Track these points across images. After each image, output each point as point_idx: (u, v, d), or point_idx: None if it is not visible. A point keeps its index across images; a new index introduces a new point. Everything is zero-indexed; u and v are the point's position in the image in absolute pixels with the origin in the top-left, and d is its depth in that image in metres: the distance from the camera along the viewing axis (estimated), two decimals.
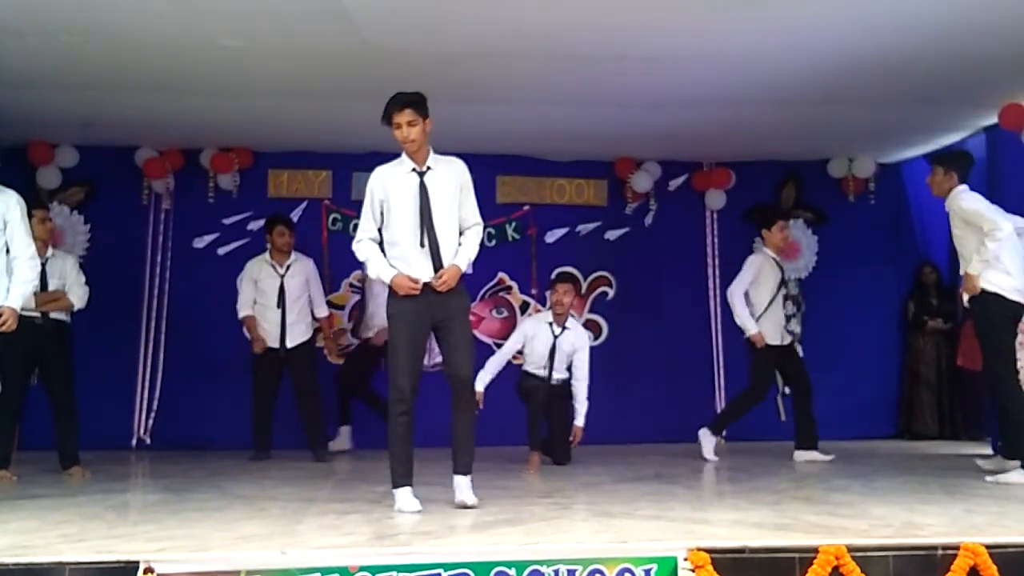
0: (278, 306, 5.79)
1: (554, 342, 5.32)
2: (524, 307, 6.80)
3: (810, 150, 6.90)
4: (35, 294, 4.67)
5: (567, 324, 5.38)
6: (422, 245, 3.60)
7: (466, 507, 3.61)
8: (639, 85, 5.19)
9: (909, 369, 7.09)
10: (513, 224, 6.90)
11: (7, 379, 4.52)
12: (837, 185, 7.15)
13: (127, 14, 4.13)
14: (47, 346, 4.72)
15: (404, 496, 3.60)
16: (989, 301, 4.42)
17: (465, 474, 3.71)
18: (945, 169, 4.67)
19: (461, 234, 3.72)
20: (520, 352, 5.51)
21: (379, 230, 3.70)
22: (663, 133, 6.24)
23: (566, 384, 5.38)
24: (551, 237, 7.00)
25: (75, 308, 4.91)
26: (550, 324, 5.36)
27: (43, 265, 4.74)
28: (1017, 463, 4.36)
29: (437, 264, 3.61)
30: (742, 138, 6.41)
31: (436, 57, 4.69)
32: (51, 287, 4.80)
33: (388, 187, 3.67)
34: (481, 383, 5.06)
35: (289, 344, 5.79)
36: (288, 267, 5.87)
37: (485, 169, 6.94)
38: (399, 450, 3.62)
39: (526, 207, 6.96)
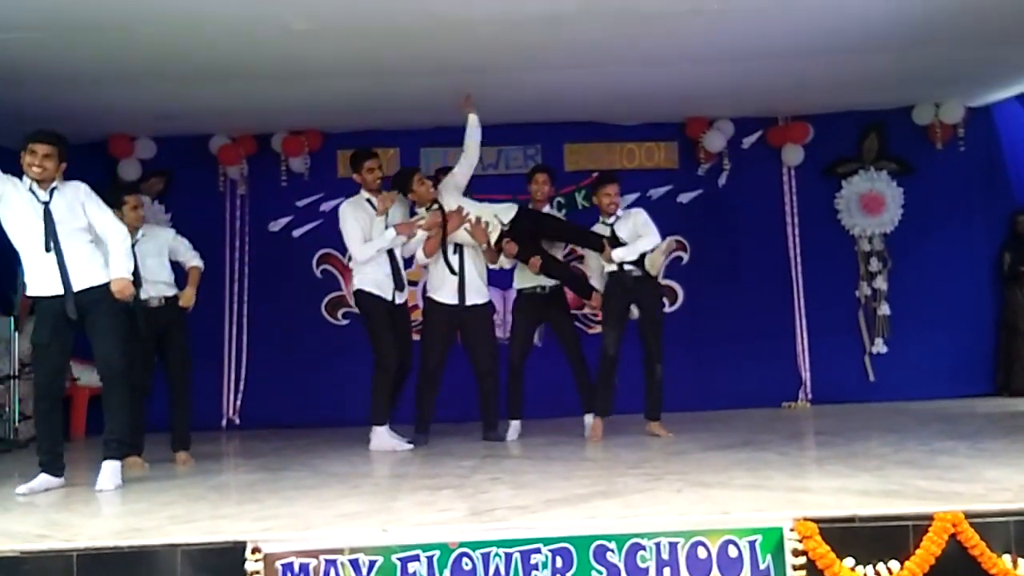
0: (454, 252, 5.01)
1: (611, 231, 5.11)
2: None
3: (893, 97, 6.56)
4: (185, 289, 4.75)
5: (618, 214, 5.21)
6: None
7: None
8: (712, 40, 4.99)
9: (1006, 323, 6.75)
10: (583, 192, 6.78)
11: (139, 361, 4.53)
12: (924, 133, 6.79)
13: (201, 2, 4.18)
14: (169, 327, 4.71)
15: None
16: None
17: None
18: None
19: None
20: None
21: None
22: (736, 88, 6.01)
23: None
24: (622, 203, 6.86)
25: (201, 269, 4.89)
26: (603, 223, 5.20)
27: (133, 247, 4.55)
28: None
29: None
30: (820, 89, 6.12)
31: (501, 25, 4.60)
32: (148, 266, 4.68)
33: None
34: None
35: (468, 301, 4.97)
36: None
37: (552, 138, 6.91)
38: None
39: (595, 174, 6.83)
